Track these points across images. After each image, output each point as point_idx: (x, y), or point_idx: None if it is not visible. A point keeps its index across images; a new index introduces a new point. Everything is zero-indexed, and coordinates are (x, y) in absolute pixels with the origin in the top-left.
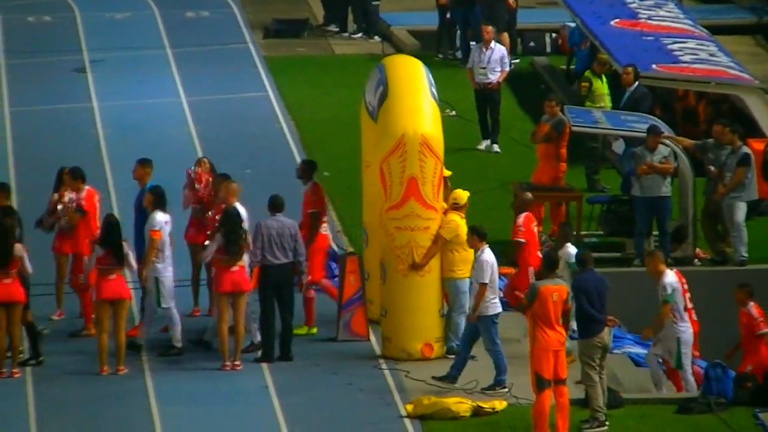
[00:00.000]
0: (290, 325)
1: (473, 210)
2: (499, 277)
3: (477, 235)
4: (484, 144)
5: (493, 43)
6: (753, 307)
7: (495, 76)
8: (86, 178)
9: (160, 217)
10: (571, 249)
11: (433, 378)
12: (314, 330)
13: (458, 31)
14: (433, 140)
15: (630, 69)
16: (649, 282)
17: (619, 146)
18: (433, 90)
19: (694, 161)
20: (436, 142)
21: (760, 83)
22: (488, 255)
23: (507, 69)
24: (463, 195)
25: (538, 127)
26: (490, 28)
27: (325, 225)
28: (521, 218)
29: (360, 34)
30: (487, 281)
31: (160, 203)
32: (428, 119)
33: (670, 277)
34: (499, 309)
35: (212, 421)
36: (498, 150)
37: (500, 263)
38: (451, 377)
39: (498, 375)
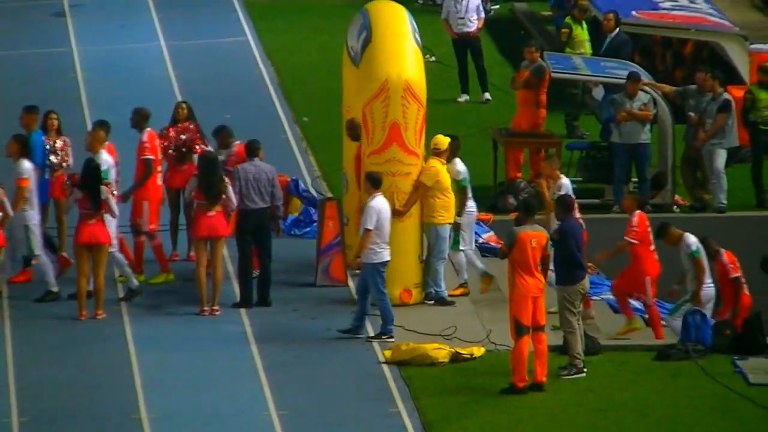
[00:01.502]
0: (269, 270)
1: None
2: (478, 223)
3: (371, 182)
4: (464, 98)
5: None
6: (637, 216)
7: (474, 25)
8: None
9: (28, 165)
10: (459, 166)
11: (339, 331)
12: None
13: None
14: (416, 86)
15: (611, 15)
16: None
17: (598, 92)
18: (417, 36)
19: (674, 108)
20: (419, 88)
21: (740, 30)
22: (377, 202)
23: (483, 17)
24: (443, 140)
25: (518, 73)
26: None
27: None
28: None
29: None
30: (371, 227)
31: (26, 152)
32: (412, 65)
33: (566, 180)
34: (387, 258)
35: (190, 366)
36: (489, 98)
37: (479, 209)
38: (354, 329)
39: (385, 324)
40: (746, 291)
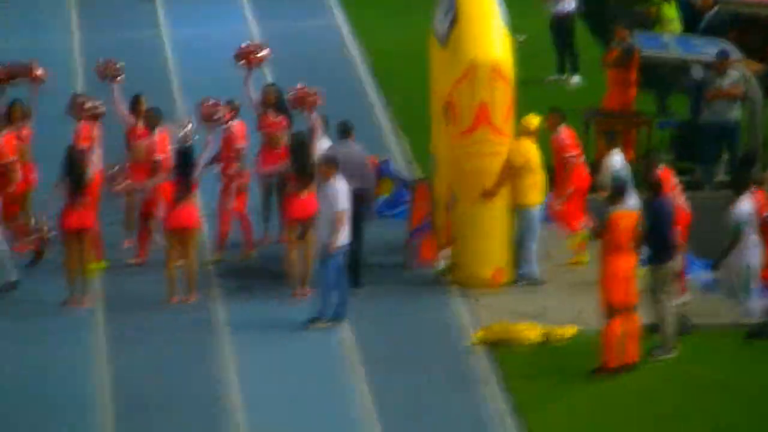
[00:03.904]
0: (361, 252)
1: (541, 136)
2: None
3: (329, 162)
4: (554, 77)
5: None
6: (563, 130)
7: (571, 5)
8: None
9: None
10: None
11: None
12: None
13: None
14: (503, 66)
15: None
16: (719, 207)
17: (698, 71)
18: (504, 15)
19: (766, 86)
20: (507, 68)
21: None
22: (341, 183)
23: None
24: (533, 121)
25: (608, 53)
26: None
27: None
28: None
29: None
30: (345, 208)
31: None
32: (499, 45)
33: (617, 158)
34: (345, 241)
35: (282, 351)
36: (578, 81)
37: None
38: (336, 316)
39: (321, 308)
40: (583, 168)
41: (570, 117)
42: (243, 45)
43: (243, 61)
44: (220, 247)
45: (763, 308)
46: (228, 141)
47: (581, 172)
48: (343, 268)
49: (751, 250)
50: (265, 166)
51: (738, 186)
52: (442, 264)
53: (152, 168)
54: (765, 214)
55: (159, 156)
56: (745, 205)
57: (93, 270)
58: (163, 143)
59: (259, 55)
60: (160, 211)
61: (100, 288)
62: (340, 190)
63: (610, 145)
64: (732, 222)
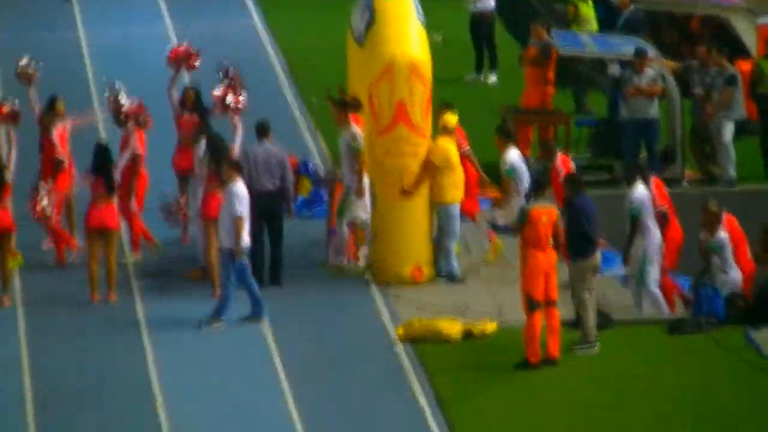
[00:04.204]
0: (280, 251)
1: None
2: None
3: (232, 165)
4: (472, 76)
5: None
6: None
7: (491, 4)
8: None
9: None
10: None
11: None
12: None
13: None
14: (421, 64)
15: None
16: None
17: (615, 69)
18: (420, 15)
19: (682, 83)
20: (425, 66)
21: (746, 4)
22: (241, 187)
23: None
24: (451, 119)
25: (525, 51)
26: None
27: None
28: None
29: None
30: (243, 213)
31: None
32: (416, 43)
33: (513, 154)
34: (247, 243)
35: (203, 347)
36: (495, 80)
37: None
38: (253, 315)
39: (218, 307)
40: (474, 165)
41: (488, 115)
42: (175, 47)
43: (174, 63)
44: (136, 247)
45: (659, 299)
46: (126, 146)
47: (469, 167)
48: (247, 269)
49: (646, 238)
50: (180, 165)
51: (627, 176)
52: (362, 261)
53: (55, 167)
54: (660, 207)
55: (61, 156)
56: (638, 191)
57: (11, 267)
58: (62, 143)
59: (191, 61)
60: (49, 208)
61: (21, 288)
62: (240, 194)
63: (507, 141)
64: (627, 210)
